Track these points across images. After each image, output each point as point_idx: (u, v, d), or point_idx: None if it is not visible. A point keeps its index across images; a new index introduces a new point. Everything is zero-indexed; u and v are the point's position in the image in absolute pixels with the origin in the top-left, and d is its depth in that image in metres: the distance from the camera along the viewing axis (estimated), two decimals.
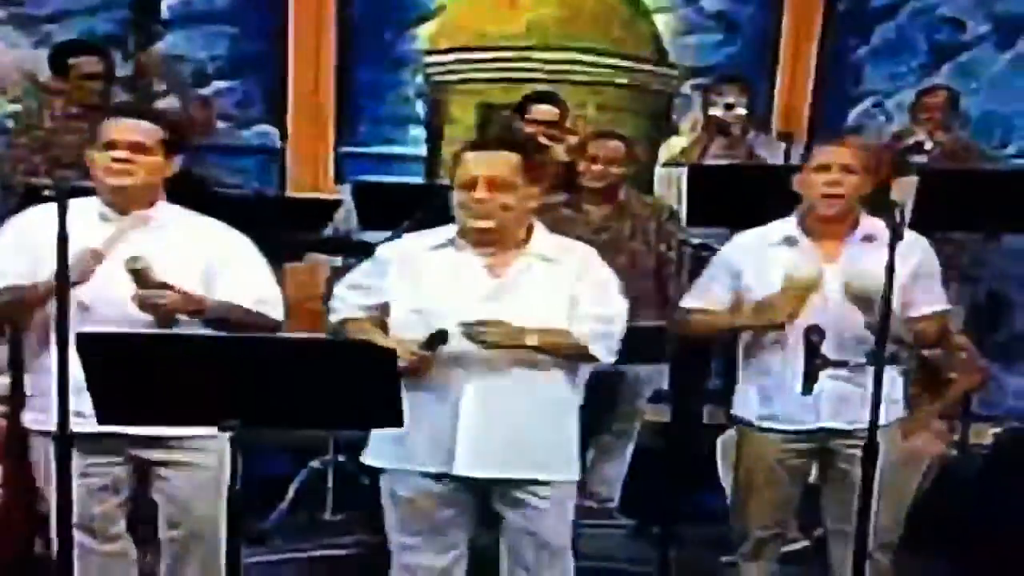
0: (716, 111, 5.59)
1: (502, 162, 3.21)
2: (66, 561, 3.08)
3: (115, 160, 3.23)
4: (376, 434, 3.33)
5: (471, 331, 3.11)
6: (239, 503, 2.77)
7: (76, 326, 2.87)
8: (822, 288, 3.49)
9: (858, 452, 3.24)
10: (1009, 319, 6.04)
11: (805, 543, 4.40)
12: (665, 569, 3.94)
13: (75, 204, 3.00)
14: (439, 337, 3.12)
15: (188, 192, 3.44)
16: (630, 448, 4.91)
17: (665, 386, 4.72)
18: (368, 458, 3.37)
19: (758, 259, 3.63)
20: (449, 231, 3.29)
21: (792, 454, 3.66)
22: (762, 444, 3.67)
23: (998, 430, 4.86)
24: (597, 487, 4.88)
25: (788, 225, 3.64)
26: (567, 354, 3.24)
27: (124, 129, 3.26)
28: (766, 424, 3.65)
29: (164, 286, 3.15)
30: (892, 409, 3.56)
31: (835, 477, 3.64)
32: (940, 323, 3.73)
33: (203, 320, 3.24)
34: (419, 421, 3.01)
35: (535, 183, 3.25)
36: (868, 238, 3.52)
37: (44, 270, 3.10)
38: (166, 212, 3.36)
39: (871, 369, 3.19)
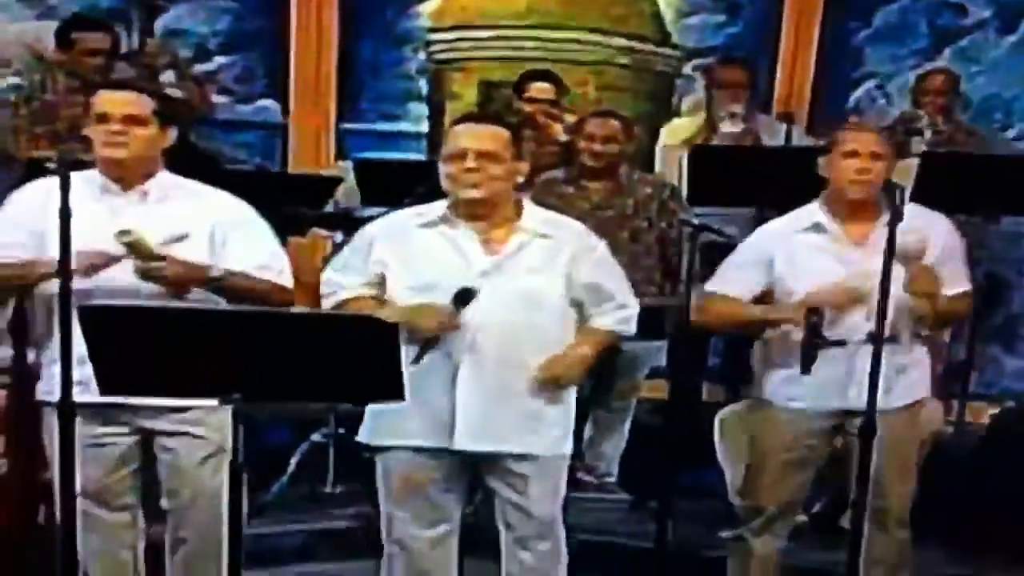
0: (726, 127, 5.50)
1: (492, 136, 3.24)
2: (70, 532, 3.10)
3: (109, 132, 3.24)
4: (371, 411, 3.35)
5: (546, 377, 3.26)
6: (240, 475, 2.79)
7: (83, 299, 2.87)
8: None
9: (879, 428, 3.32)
10: (1007, 300, 6.05)
11: (803, 518, 4.43)
12: (663, 543, 3.96)
13: (77, 177, 3.02)
14: (467, 294, 3.14)
15: (197, 167, 3.46)
16: (628, 423, 4.94)
17: (663, 363, 4.74)
18: (363, 436, 3.39)
19: (788, 246, 3.66)
20: (438, 208, 3.30)
21: (815, 433, 3.69)
22: (787, 424, 3.69)
23: (995, 410, 4.89)
24: (596, 462, 4.90)
25: (815, 210, 3.67)
26: (610, 345, 3.46)
27: (115, 102, 3.27)
28: (794, 404, 3.67)
29: (162, 257, 3.16)
30: (919, 387, 3.69)
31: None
32: (966, 303, 3.80)
33: (212, 289, 3.25)
34: (415, 397, 3.01)
35: (522, 158, 3.30)
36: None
37: (50, 243, 3.11)
38: (166, 182, 3.36)
39: (907, 349, 3.51)
